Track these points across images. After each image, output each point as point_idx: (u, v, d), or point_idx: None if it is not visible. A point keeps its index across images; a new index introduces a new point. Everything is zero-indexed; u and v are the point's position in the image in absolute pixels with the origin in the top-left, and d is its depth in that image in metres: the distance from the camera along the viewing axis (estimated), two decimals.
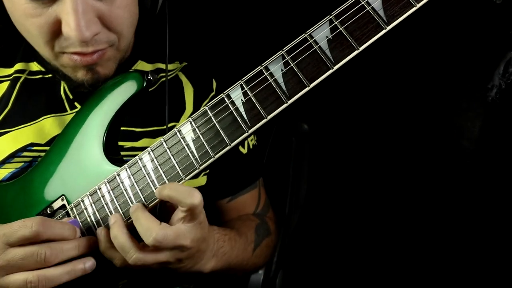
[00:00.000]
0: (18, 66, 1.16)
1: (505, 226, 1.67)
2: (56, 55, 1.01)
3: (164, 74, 1.20)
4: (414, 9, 0.78)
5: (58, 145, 1.02)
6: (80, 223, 0.95)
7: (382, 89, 1.78)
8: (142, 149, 1.10)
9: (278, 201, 1.34)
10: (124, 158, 1.05)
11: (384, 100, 1.79)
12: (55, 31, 0.95)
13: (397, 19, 0.79)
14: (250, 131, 0.85)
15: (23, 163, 1.09)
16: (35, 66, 1.16)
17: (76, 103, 1.14)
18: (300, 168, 1.48)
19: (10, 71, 1.16)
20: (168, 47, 1.12)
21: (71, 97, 1.14)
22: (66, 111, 1.13)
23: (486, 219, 1.71)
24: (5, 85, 1.15)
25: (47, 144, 1.10)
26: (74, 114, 1.11)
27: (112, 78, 1.02)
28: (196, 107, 1.19)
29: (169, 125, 1.14)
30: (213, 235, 1.01)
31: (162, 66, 1.21)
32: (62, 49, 0.98)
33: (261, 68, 0.85)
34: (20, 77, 1.15)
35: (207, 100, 1.20)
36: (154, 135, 1.14)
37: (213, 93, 1.21)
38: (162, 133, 1.14)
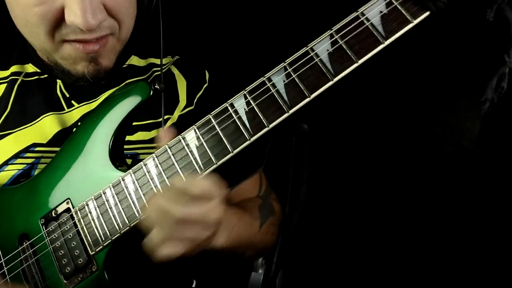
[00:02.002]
0: (14, 68, 1.17)
1: (505, 226, 1.68)
2: (56, 46, 1.01)
3: (157, 69, 1.21)
4: (411, 25, 0.80)
5: (66, 149, 1.04)
6: None
7: (382, 90, 1.79)
8: (137, 142, 1.13)
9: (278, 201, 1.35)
10: None
11: (384, 100, 1.80)
12: (58, 19, 0.96)
13: (395, 34, 0.81)
14: (252, 139, 0.87)
15: (25, 165, 1.11)
16: (30, 68, 1.17)
17: (72, 101, 1.15)
18: (300, 168, 1.49)
19: (6, 73, 1.17)
20: (162, 42, 1.13)
21: (67, 95, 1.15)
22: (64, 109, 1.15)
23: (486, 219, 1.71)
24: (2, 87, 1.16)
25: (49, 143, 1.12)
26: (72, 112, 1.14)
27: (119, 87, 1.03)
28: (189, 100, 1.20)
29: (162, 119, 1.15)
30: (228, 213, 1.01)
31: (155, 61, 1.23)
32: (62, 37, 0.99)
33: (264, 79, 0.87)
34: (17, 79, 1.16)
35: (200, 92, 1.21)
36: (149, 128, 1.15)
37: (206, 84, 1.22)
38: (157, 126, 1.16)
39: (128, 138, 1.12)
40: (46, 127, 1.13)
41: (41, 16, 0.95)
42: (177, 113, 1.18)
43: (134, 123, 1.13)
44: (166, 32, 1.14)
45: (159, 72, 1.20)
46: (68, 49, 1.01)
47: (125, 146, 1.10)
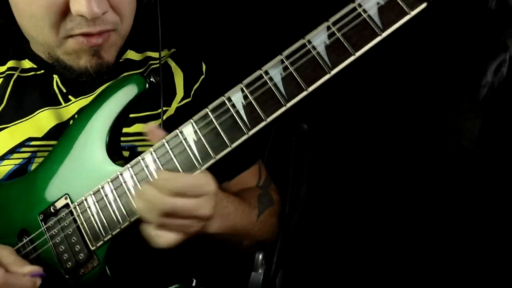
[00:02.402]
0: (10, 63, 1.18)
1: (505, 226, 1.68)
2: (61, 41, 1.03)
3: (153, 62, 1.22)
4: (408, 16, 0.79)
5: (62, 144, 1.04)
6: (43, 273, 0.97)
7: (382, 90, 1.79)
8: (134, 134, 1.13)
9: None
10: None
11: (384, 100, 1.80)
12: (63, 12, 0.97)
13: (392, 25, 0.80)
14: (250, 133, 0.87)
15: (22, 159, 1.10)
16: (27, 64, 1.18)
17: (70, 96, 1.15)
18: (300, 168, 1.49)
19: (2, 68, 1.17)
20: (159, 35, 1.14)
21: (64, 90, 1.15)
22: (61, 104, 1.15)
23: (486, 219, 1.71)
24: None
25: (44, 137, 1.12)
26: (69, 106, 1.14)
27: (115, 80, 1.04)
28: (186, 91, 1.20)
29: (160, 110, 1.14)
30: (220, 200, 1.01)
31: (152, 54, 1.23)
32: (67, 32, 1.00)
33: (261, 72, 0.87)
34: (13, 74, 1.16)
35: (197, 84, 1.21)
36: (146, 120, 1.15)
37: (203, 76, 1.22)
38: (154, 117, 1.16)
39: (125, 130, 1.12)
40: (42, 121, 1.13)
41: (46, 9, 0.97)
42: (174, 105, 1.18)
43: (131, 115, 1.13)
44: (162, 25, 1.14)
45: (156, 65, 1.21)
46: (72, 44, 1.03)
47: (123, 138, 1.10)
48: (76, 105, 1.14)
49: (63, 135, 1.05)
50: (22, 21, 1.04)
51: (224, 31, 1.66)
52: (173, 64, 1.22)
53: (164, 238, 0.87)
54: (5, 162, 1.10)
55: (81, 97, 1.15)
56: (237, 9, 1.72)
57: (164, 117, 1.14)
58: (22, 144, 1.11)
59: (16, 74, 1.16)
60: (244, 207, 1.12)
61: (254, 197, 1.20)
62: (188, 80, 1.21)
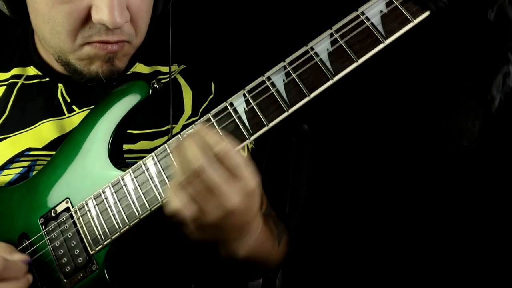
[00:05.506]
0: (15, 71, 1.16)
1: (505, 226, 1.68)
2: (76, 48, 1.01)
3: (162, 77, 1.21)
4: (411, 25, 0.80)
5: (65, 149, 1.04)
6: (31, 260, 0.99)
7: (382, 89, 1.79)
8: (140, 151, 1.12)
9: (278, 201, 1.34)
10: None
11: (384, 100, 1.80)
12: (83, 19, 0.96)
13: (395, 34, 0.81)
14: (252, 138, 0.87)
15: (22, 168, 1.10)
16: (32, 71, 1.16)
17: (74, 106, 1.14)
18: (300, 168, 1.49)
19: (6, 75, 1.16)
20: (169, 50, 1.13)
21: (68, 100, 1.14)
22: (64, 114, 1.13)
23: (486, 219, 1.71)
24: (2, 90, 1.15)
25: (44, 148, 1.11)
26: (72, 117, 1.13)
27: (119, 86, 1.03)
28: (194, 110, 1.19)
29: (167, 127, 1.15)
30: (259, 221, 0.96)
31: (160, 68, 1.22)
32: (85, 40, 0.99)
33: (264, 78, 0.87)
34: (17, 82, 1.15)
35: (206, 103, 1.20)
36: (152, 137, 1.14)
37: (212, 96, 1.21)
38: (160, 135, 1.15)
39: (130, 147, 1.12)
40: (43, 132, 1.12)
41: (67, 14, 0.95)
42: (181, 123, 1.17)
43: (136, 132, 1.13)
44: (173, 40, 1.13)
45: (165, 80, 1.19)
46: (87, 50, 1.01)
47: (128, 155, 1.09)
48: (79, 116, 1.12)
49: (66, 140, 1.05)
50: (38, 22, 1.02)
51: (234, 52, 1.65)
52: (182, 81, 1.21)
53: (178, 202, 0.79)
54: (6, 172, 1.09)
55: (84, 108, 1.13)
56: (249, 33, 1.72)
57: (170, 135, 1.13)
58: (21, 154, 1.10)
59: (20, 82, 1.15)
60: (273, 238, 1.08)
61: (273, 225, 1.13)
62: (197, 99, 1.20)
